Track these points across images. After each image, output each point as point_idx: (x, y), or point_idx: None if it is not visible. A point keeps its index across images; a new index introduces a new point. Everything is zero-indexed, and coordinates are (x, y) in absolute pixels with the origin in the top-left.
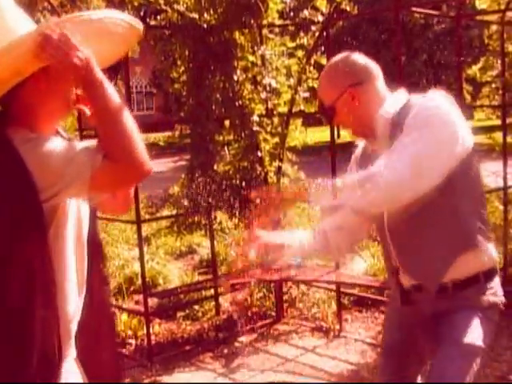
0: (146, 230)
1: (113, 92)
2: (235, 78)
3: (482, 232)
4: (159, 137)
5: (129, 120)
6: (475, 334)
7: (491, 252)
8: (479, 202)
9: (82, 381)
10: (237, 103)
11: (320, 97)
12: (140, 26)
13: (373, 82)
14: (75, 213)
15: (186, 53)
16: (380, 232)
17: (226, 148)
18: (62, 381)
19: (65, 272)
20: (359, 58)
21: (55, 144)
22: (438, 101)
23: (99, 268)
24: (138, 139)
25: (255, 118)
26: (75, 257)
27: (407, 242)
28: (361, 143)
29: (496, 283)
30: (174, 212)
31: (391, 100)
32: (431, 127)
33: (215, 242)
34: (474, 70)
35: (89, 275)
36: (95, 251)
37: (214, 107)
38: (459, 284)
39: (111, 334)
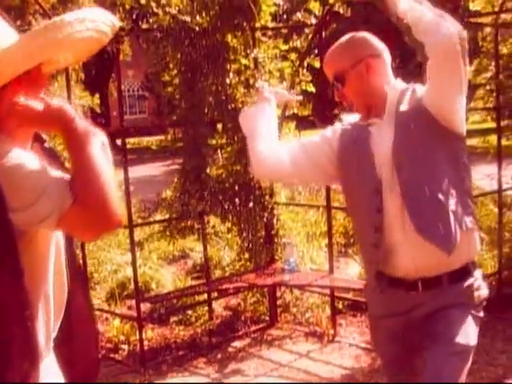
0: (139, 234)
1: (93, 138)
2: (228, 81)
3: (476, 224)
4: (152, 140)
5: (106, 168)
6: (468, 332)
7: (478, 243)
8: (471, 192)
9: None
10: (229, 106)
11: (329, 66)
12: (112, 27)
13: (387, 60)
14: (54, 236)
15: (179, 56)
16: (373, 199)
17: (218, 151)
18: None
19: (41, 295)
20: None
21: (30, 167)
22: None
23: (81, 291)
24: (113, 189)
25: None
26: (54, 280)
27: (422, 206)
28: (348, 118)
29: (480, 274)
30: (167, 216)
31: (397, 81)
32: None
33: (208, 247)
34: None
35: (71, 299)
36: (75, 275)
37: (206, 110)
38: (453, 276)
39: (96, 354)
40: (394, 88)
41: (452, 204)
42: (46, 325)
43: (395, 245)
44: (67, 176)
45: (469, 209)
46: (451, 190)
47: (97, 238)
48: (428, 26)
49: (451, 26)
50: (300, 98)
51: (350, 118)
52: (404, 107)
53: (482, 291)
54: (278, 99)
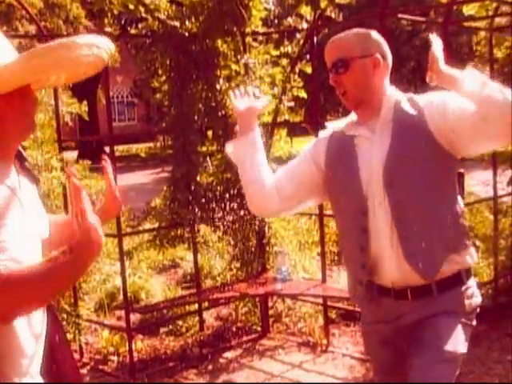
0: (128, 243)
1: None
2: (218, 87)
3: (468, 237)
4: (141, 148)
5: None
6: (456, 339)
7: (473, 253)
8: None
9: None
10: (220, 113)
11: (336, 48)
12: (110, 54)
13: (389, 66)
14: None
15: (168, 62)
16: (359, 219)
17: (209, 159)
18: None
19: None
20: None
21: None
22: None
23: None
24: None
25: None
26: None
27: (410, 228)
28: (332, 124)
29: (474, 283)
30: (157, 225)
31: (393, 89)
32: None
33: (199, 256)
34: None
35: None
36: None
37: (196, 117)
38: (443, 284)
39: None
40: (389, 101)
41: (443, 227)
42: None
43: (382, 259)
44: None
45: (461, 228)
46: (444, 212)
47: None
48: (492, 101)
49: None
50: (266, 101)
51: (336, 126)
52: (401, 122)
53: (475, 299)
54: (253, 111)
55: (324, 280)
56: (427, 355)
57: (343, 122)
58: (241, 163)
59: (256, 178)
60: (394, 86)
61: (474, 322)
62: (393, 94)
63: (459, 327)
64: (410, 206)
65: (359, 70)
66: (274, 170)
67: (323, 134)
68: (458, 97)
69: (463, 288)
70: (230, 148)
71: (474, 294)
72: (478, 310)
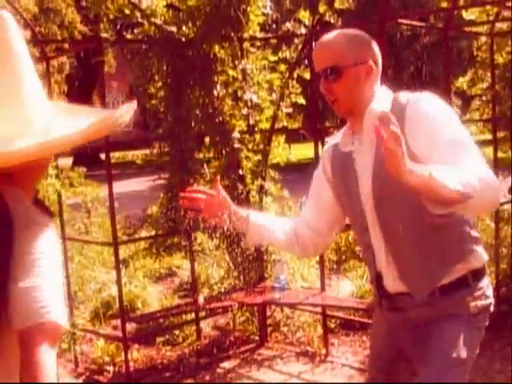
0: (124, 251)
1: None
2: (215, 93)
3: (473, 238)
4: (137, 154)
5: None
6: (463, 344)
7: (480, 254)
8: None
9: None
10: (217, 119)
11: (328, 54)
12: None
13: (380, 71)
14: None
15: (164, 67)
16: (364, 235)
17: (205, 166)
18: None
19: None
20: None
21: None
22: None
23: None
24: None
25: (236, 134)
26: None
27: (402, 249)
28: (331, 139)
29: (485, 284)
30: (153, 233)
31: (380, 96)
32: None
33: (196, 264)
34: (460, 81)
35: None
36: None
37: (193, 124)
38: (447, 287)
39: None
40: (374, 111)
41: (441, 242)
42: None
43: (383, 274)
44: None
45: (465, 236)
46: (440, 225)
47: None
48: (473, 200)
49: (496, 194)
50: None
51: (334, 142)
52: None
53: (482, 301)
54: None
55: (323, 289)
56: (433, 363)
57: (340, 136)
58: (263, 244)
59: (283, 243)
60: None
61: (485, 323)
62: (379, 102)
63: (464, 331)
64: (399, 226)
65: (352, 78)
66: (274, 178)
67: (326, 152)
68: (444, 146)
69: (469, 290)
70: (246, 245)
71: (482, 295)
72: (492, 309)
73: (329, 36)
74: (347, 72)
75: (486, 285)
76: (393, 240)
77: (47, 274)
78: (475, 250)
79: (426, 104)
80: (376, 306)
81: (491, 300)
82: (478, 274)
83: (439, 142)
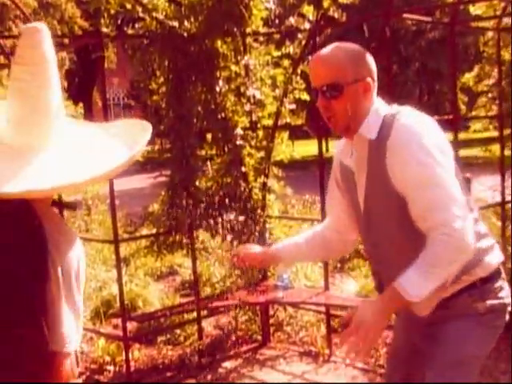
0: (125, 249)
1: None
2: (217, 89)
3: (480, 250)
4: None
5: None
6: (471, 343)
7: (488, 263)
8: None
9: None
10: (219, 116)
11: (328, 71)
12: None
13: (376, 87)
14: None
15: (166, 63)
16: (368, 251)
17: (208, 163)
18: None
19: None
20: None
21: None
22: (417, 125)
23: None
24: None
25: (239, 131)
26: None
27: (395, 270)
28: (337, 147)
29: (497, 285)
30: (154, 231)
31: (373, 114)
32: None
33: (197, 263)
34: (466, 77)
35: None
36: None
37: (195, 120)
38: (455, 294)
39: None
40: (363, 136)
41: None
42: None
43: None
44: None
45: None
46: None
47: None
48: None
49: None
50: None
51: (338, 151)
52: (372, 158)
53: (492, 301)
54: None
55: (327, 288)
56: (437, 363)
57: (344, 143)
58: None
59: (319, 254)
60: (396, 91)
61: (499, 322)
62: (366, 129)
63: (472, 330)
64: (388, 249)
65: (351, 95)
66: (277, 176)
67: (335, 157)
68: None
69: (476, 291)
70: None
71: (492, 296)
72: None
73: (326, 51)
74: (347, 89)
75: (499, 286)
76: (383, 262)
77: (79, 294)
78: (481, 261)
79: (408, 134)
80: None
81: (505, 300)
82: (488, 278)
83: (411, 183)
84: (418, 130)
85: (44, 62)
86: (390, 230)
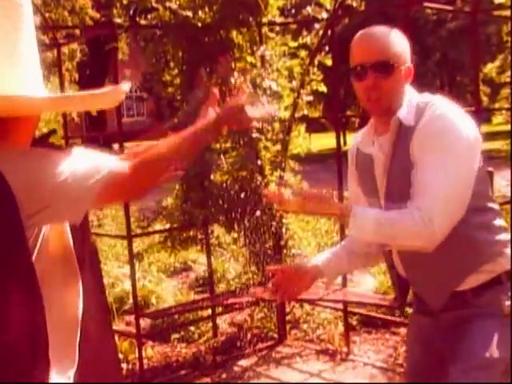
0: (138, 245)
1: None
2: (232, 80)
3: (495, 243)
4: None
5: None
6: (495, 344)
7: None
8: (487, 209)
9: None
10: None
11: (383, 45)
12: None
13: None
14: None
15: (180, 54)
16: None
17: (223, 156)
18: None
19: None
20: None
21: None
22: (450, 116)
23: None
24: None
25: (254, 123)
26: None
27: (414, 257)
28: (356, 138)
29: None
30: (168, 226)
31: (408, 101)
32: (455, 155)
33: (212, 258)
34: (489, 68)
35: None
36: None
37: None
38: (479, 288)
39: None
40: (399, 119)
41: (463, 245)
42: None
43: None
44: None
45: (493, 235)
46: (461, 227)
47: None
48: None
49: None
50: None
51: (357, 141)
52: (400, 148)
53: None
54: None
55: (344, 284)
56: (460, 363)
57: (360, 136)
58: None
59: (360, 263)
60: (417, 82)
61: None
62: (403, 113)
63: (496, 331)
64: None
65: (398, 77)
66: (294, 169)
67: (350, 152)
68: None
69: (501, 288)
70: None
71: None
72: None
73: (376, 29)
74: (398, 70)
75: None
76: (405, 254)
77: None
78: (504, 252)
79: (441, 122)
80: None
81: None
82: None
83: (425, 163)
84: (451, 120)
85: (15, 7)
86: None
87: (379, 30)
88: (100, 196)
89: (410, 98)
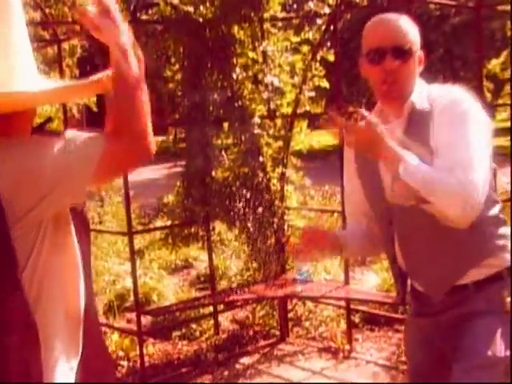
0: (139, 242)
1: (134, 63)
2: (234, 76)
3: (499, 236)
4: None
5: (145, 97)
6: (495, 344)
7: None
8: (494, 202)
9: None
10: (236, 104)
11: (400, 31)
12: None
13: None
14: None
15: (181, 49)
16: (386, 234)
17: (224, 153)
18: None
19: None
20: None
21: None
22: (469, 100)
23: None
24: (149, 119)
25: (256, 119)
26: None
27: (416, 247)
28: None
29: None
30: (169, 223)
31: (419, 88)
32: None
33: (214, 255)
34: (493, 64)
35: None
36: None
37: (211, 108)
38: (481, 282)
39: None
40: (414, 103)
41: (465, 238)
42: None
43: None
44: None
45: (496, 229)
46: (458, 231)
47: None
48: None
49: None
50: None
51: None
52: (413, 134)
53: None
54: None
55: (347, 282)
56: (462, 362)
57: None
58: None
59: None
60: (421, 77)
61: None
62: (417, 98)
63: (497, 329)
64: (413, 227)
65: (413, 64)
66: (296, 166)
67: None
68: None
69: (502, 284)
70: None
71: None
72: None
73: (390, 15)
74: (413, 56)
75: None
76: (405, 243)
77: None
78: (507, 246)
79: (461, 107)
80: (410, 308)
81: None
82: None
83: (451, 141)
84: (472, 104)
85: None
86: (418, 217)
87: (394, 16)
88: (99, 168)
89: (421, 86)
